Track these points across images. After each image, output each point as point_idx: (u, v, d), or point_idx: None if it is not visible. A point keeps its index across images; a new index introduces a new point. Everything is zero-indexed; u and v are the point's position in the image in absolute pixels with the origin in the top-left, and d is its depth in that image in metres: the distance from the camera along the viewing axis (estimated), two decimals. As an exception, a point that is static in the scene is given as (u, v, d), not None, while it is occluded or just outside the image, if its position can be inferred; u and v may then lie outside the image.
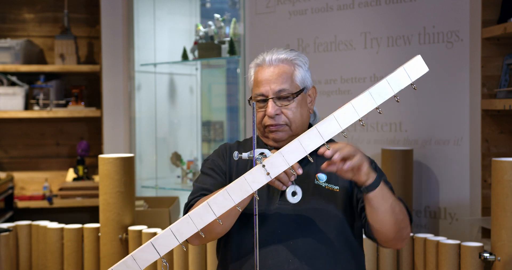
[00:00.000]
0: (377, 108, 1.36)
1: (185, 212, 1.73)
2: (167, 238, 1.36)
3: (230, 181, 1.75)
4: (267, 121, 1.74)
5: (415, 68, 1.36)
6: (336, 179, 1.75)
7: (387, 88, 1.35)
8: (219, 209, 1.37)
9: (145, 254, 1.36)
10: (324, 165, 1.52)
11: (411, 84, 1.36)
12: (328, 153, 1.48)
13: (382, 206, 1.58)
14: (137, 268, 1.36)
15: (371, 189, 1.56)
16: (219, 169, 1.81)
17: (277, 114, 1.73)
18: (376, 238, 1.70)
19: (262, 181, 1.38)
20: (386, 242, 1.70)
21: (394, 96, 1.36)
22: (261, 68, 1.77)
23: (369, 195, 1.56)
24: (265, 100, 1.74)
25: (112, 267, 1.37)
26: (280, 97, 1.73)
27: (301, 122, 1.77)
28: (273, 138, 1.77)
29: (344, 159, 1.50)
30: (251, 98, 1.80)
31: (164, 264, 1.42)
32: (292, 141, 1.38)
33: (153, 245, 1.36)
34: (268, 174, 1.37)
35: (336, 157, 1.48)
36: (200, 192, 1.75)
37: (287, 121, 1.74)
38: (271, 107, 1.72)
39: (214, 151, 1.89)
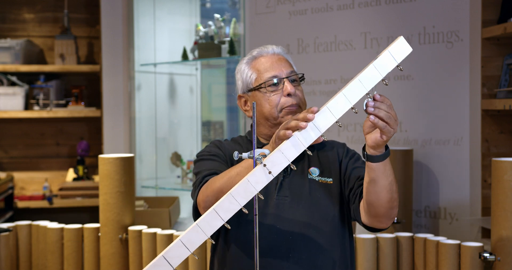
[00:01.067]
0: (367, 93, 1.39)
1: (198, 190, 1.71)
2: (178, 249, 1.37)
3: None
4: (287, 101, 1.77)
5: (399, 49, 1.39)
6: (329, 172, 1.78)
7: (375, 73, 1.38)
8: (226, 214, 1.37)
9: (158, 268, 1.37)
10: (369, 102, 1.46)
11: (397, 65, 1.39)
12: (377, 97, 1.45)
13: (382, 180, 1.57)
14: None
15: (376, 160, 1.53)
16: (223, 158, 1.81)
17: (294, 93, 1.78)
18: (367, 212, 1.66)
19: (265, 180, 1.38)
20: (375, 218, 1.66)
21: (383, 80, 1.38)
22: (262, 58, 1.82)
23: (372, 165, 1.54)
24: (278, 83, 1.78)
25: None
26: (293, 79, 1.79)
27: (306, 106, 1.81)
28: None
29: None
30: (259, 85, 1.79)
31: None
32: (290, 137, 1.39)
33: (165, 258, 1.37)
34: (270, 172, 1.37)
35: (378, 98, 1.45)
36: (211, 171, 1.74)
37: (300, 102, 1.79)
38: (289, 85, 1.77)
39: (207, 146, 1.89)
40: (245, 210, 1.39)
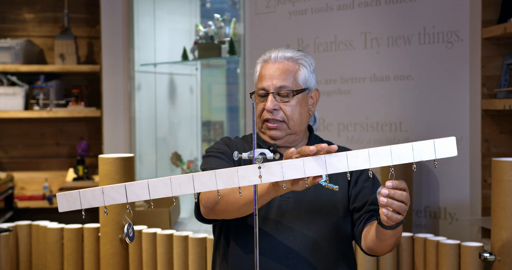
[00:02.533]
0: (390, 167, 1.34)
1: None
2: (141, 189, 1.35)
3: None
4: (265, 114, 1.77)
5: (445, 147, 1.34)
6: (336, 179, 1.78)
7: (409, 152, 1.33)
8: (200, 187, 1.35)
9: (115, 193, 1.35)
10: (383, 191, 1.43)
11: (434, 160, 1.33)
12: (389, 184, 1.42)
13: (390, 239, 1.60)
14: (101, 202, 1.36)
15: (388, 228, 1.55)
16: (229, 157, 1.81)
17: (275, 109, 1.76)
18: (368, 249, 1.72)
19: (252, 180, 1.35)
20: (372, 253, 1.74)
21: (412, 164, 1.33)
22: (266, 64, 1.81)
23: (385, 230, 1.56)
24: (266, 95, 1.78)
25: (80, 190, 1.35)
26: (280, 93, 1.77)
27: (299, 121, 1.79)
28: (270, 135, 1.80)
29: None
30: (253, 92, 1.83)
31: (128, 211, 1.39)
32: (298, 159, 1.35)
33: (125, 189, 1.35)
34: (260, 177, 1.34)
35: (394, 191, 1.42)
36: None
37: (284, 118, 1.77)
38: (270, 101, 1.76)
39: (217, 142, 1.90)
40: (218, 195, 1.37)
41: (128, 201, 1.35)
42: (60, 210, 1.38)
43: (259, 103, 1.79)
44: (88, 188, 1.36)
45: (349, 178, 1.38)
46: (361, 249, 1.75)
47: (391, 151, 1.32)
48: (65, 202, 1.38)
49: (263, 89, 1.78)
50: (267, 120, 1.78)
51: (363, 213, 1.74)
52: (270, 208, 1.73)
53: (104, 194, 1.36)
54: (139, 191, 1.35)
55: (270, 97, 1.76)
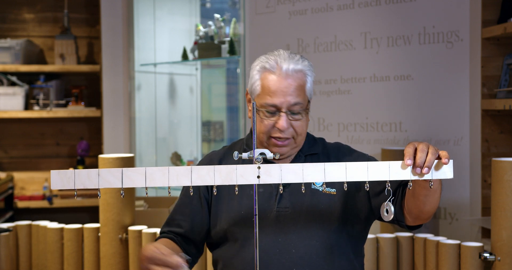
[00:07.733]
0: (387, 182, 1.37)
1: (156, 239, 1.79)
2: (138, 175, 1.34)
3: (215, 197, 1.77)
4: (276, 132, 1.68)
5: (443, 169, 1.38)
6: (333, 183, 1.73)
7: (407, 170, 1.37)
8: (197, 180, 1.34)
9: (111, 176, 1.34)
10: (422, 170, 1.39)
11: (429, 181, 1.38)
12: (446, 161, 1.40)
13: (438, 190, 1.55)
14: (95, 184, 1.34)
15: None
16: (196, 192, 1.78)
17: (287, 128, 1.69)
18: (416, 218, 1.63)
19: (250, 180, 1.34)
20: (422, 219, 1.64)
21: (409, 181, 1.37)
22: (274, 76, 1.68)
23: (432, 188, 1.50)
24: (275, 112, 1.68)
25: (75, 170, 1.34)
26: (293, 111, 1.68)
27: (305, 134, 1.75)
28: (276, 152, 1.72)
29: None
30: (257, 106, 1.72)
31: (122, 195, 1.38)
32: (297, 164, 1.35)
33: (122, 173, 1.34)
34: (258, 177, 1.34)
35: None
36: (167, 228, 1.79)
37: (294, 135, 1.70)
38: (284, 121, 1.66)
39: (199, 162, 1.87)
40: (214, 190, 1.36)
41: (123, 187, 1.34)
42: (53, 187, 1.35)
43: (266, 119, 1.68)
44: (85, 169, 1.35)
45: (345, 189, 1.37)
46: (407, 226, 1.67)
47: (390, 167, 1.36)
48: (59, 179, 1.34)
49: (274, 106, 1.66)
50: (274, 137, 1.69)
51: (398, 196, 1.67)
52: (268, 220, 1.69)
53: (100, 176, 1.34)
54: (136, 177, 1.34)
55: (284, 116, 1.66)
